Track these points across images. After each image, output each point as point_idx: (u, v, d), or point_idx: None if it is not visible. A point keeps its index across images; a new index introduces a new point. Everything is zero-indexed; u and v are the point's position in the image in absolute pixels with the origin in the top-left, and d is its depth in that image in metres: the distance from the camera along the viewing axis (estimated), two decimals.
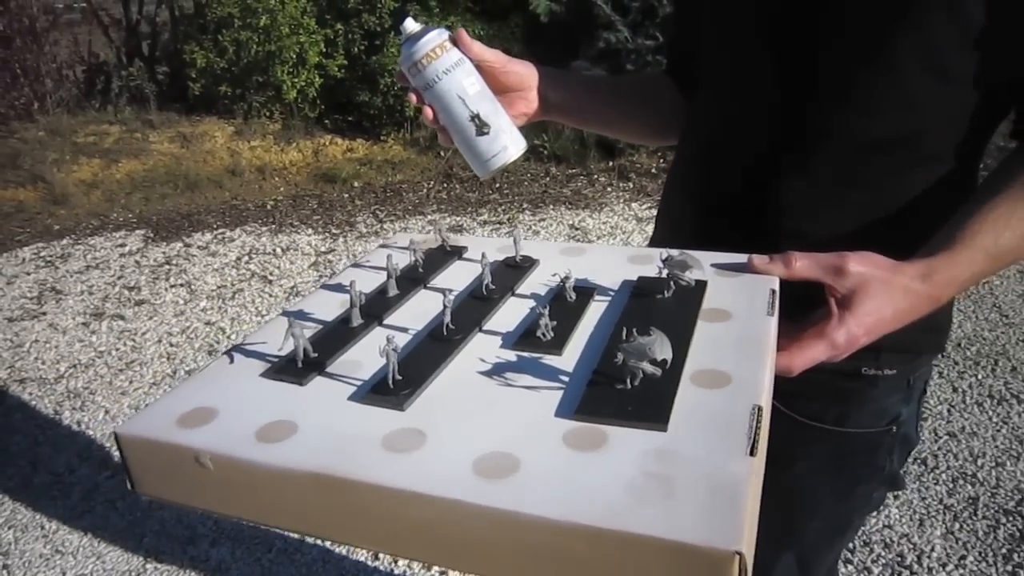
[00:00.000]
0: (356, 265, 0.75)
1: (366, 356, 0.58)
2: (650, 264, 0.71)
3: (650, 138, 1.05)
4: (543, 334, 0.59)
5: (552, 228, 4.02)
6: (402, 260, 0.74)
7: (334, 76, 5.55)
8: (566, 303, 0.64)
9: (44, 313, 3.27)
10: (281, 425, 0.51)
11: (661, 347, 0.51)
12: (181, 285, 3.48)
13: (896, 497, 2.01)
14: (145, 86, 5.95)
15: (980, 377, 2.58)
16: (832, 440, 0.83)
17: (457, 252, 0.77)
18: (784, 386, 0.82)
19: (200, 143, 5.31)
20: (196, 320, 3.15)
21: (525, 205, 4.39)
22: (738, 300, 0.63)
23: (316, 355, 0.57)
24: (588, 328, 0.61)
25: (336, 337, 0.61)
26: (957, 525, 1.92)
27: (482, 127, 0.73)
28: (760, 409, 0.49)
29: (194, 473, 0.50)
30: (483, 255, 0.68)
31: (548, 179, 4.81)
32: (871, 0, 0.68)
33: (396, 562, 1.86)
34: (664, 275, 0.64)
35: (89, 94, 6.17)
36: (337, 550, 1.93)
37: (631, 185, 4.58)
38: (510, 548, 0.43)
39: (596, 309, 0.64)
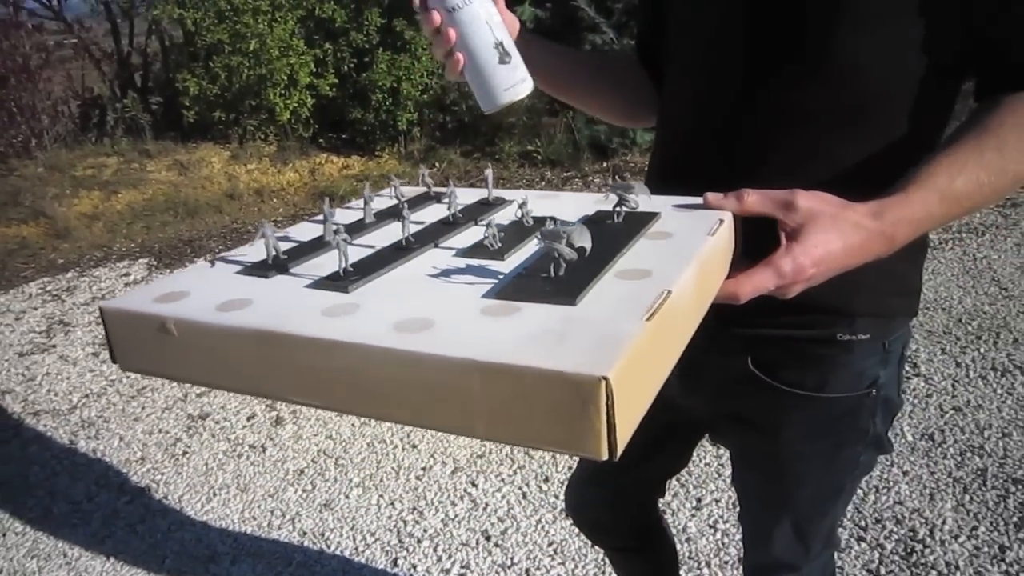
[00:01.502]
0: (345, 207, 0.81)
1: (330, 262, 0.63)
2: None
3: (619, 117, 1.08)
4: (490, 243, 0.63)
5: None
6: (386, 204, 0.79)
7: (326, 95, 5.60)
8: (522, 226, 0.68)
9: (54, 346, 3.30)
10: (239, 301, 0.57)
11: (580, 235, 0.55)
12: None
13: (905, 474, 2.03)
14: (140, 117, 6.02)
15: (983, 351, 2.59)
16: (814, 406, 0.85)
17: (439, 196, 0.81)
18: (763, 355, 0.85)
19: (197, 169, 5.36)
20: None
21: None
22: (684, 225, 0.66)
23: (285, 258, 0.64)
24: (534, 245, 0.65)
25: (307, 248, 0.67)
26: (967, 497, 1.94)
27: (504, 56, 0.73)
28: (668, 292, 0.52)
29: (162, 341, 0.57)
30: (450, 181, 0.74)
31: (543, 183, 4.85)
32: None
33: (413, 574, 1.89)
34: (609, 200, 0.67)
35: (85, 128, 6.23)
36: (356, 560, 1.95)
37: None
38: (418, 390, 0.47)
39: None
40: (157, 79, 6.69)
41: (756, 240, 0.68)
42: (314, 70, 5.56)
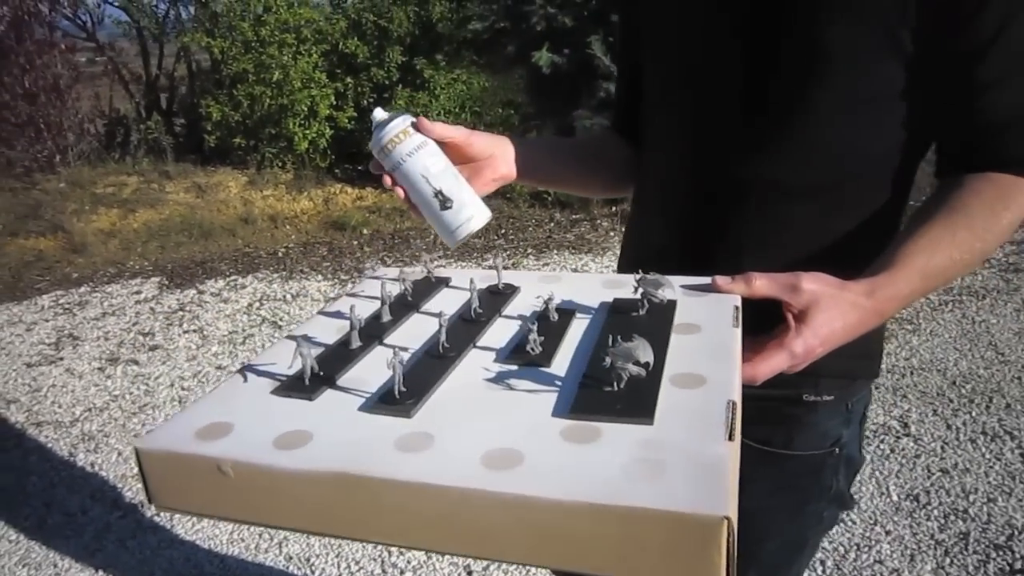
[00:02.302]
0: (350, 295, 0.81)
1: (368, 373, 0.62)
2: (622, 288, 0.76)
3: (606, 192, 1.12)
4: (532, 348, 0.63)
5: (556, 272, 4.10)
6: (394, 292, 0.79)
7: (344, 128, 5.74)
8: (550, 322, 0.68)
9: (61, 358, 3.37)
10: (296, 434, 0.54)
11: (644, 351, 0.56)
12: (194, 331, 3.58)
13: (888, 533, 2.05)
14: (163, 138, 6.17)
15: (974, 414, 2.61)
16: (780, 462, 0.89)
17: (443, 281, 0.83)
18: None
19: (215, 193, 5.48)
20: (207, 365, 3.24)
21: (530, 250, 4.49)
22: (706, 315, 0.68)
23: (321, 373, 0.61)
24: (573, 342, 0.65)
25: (338, 357, 0.65)
26: (948, 560, 1.95)
27: (445, 202, 0.79)
28: (734, 404, 0.54)
29: (213, 483, 0.53)
30: (471, 280, 0.74)
31: (552, 224, 4.93)
32: (794, 58, 0.76)
33: None
34: (639, 294, 0.70)
35: (109, 146, 6.40)
36: None
37: None
38: (519, 531, 0.46)
39: (578, 326, 0.69)
40: (182, 103, 6.87)
41: (752, 312, 0.72)
42: (334, 103, 5.71)
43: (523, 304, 0.75)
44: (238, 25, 5.71)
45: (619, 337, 0.57)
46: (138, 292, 4.10)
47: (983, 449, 2.41)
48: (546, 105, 5.44)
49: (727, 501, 0.44)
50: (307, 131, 5.61)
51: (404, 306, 0.75)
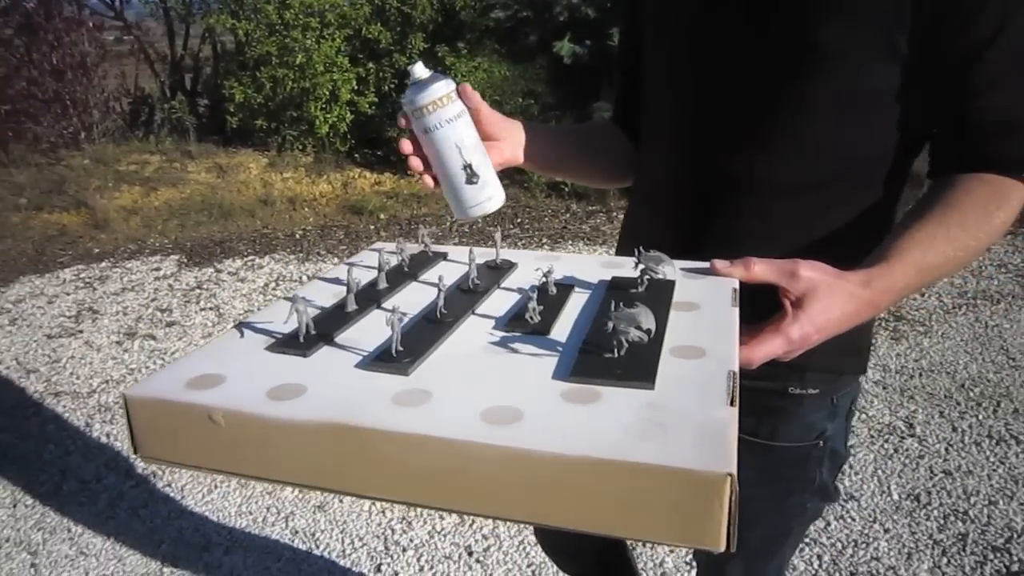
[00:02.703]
0: (348, 264, 0.80)
1: (363, 335, 0.62)
2: (622, 269, 0.76)
3: (606, 182, 1.14)
4: (531, 317, 0.63)
5: None
6: (392, 263, 0.79)
7: (365, 113, 5.77)
8: (548, 295, 0.68)
9: (81, 331, 3.44)
10: (290, 387, 0.53)
11: (646, 317, 0.57)
12: (210, 309, 3.64)
13: (886, 531, 2.06)
14: (186, 118, 6.24)
15: (981, 418, 2.61)
16: (766, 453, 0.91)
17: (441, 256, 0.83)
18: None
19: (235, 174, 5.54)
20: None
21: (545, 240, 4.51)
22: (704, 295, 0.69)
23: (315, 332, 0.61)
24: (572, 314, 0.65)
25: (334, 319, 0.65)
26: (945, 560, 1.96)
27: (472, 176, 0.78)
28: (734, 374, 0.53)
29: (203, 432, 0.51)
30: (470, 250, 0.75)
31: (568, 215, 4.94)
32: (786, 56, 0.78)
33: (398, 575, 1.95)
34: (639, 269, 0.70)
35: (133, 125, 6.48)
36: (342, 562, 2.02)
37: None
38: (519, 487, 0.45)
39: (577, 299, 0.69)
40: (206, 84, 6.93)
41: (749, 299, 0.73)
42: (355, 87, 5.74)
43: (521, 278, 0.76)
44: (263, 8, 5.75)
45: (622, 303, 0.57)
46: (157, 269, 4.17)
47: (987, 452, 2.41)
48: (567, 95, 5.45)
49: (730, 459, 0.44)
50: (328, 115, 5.65)
51: (401, 275, 0.76)
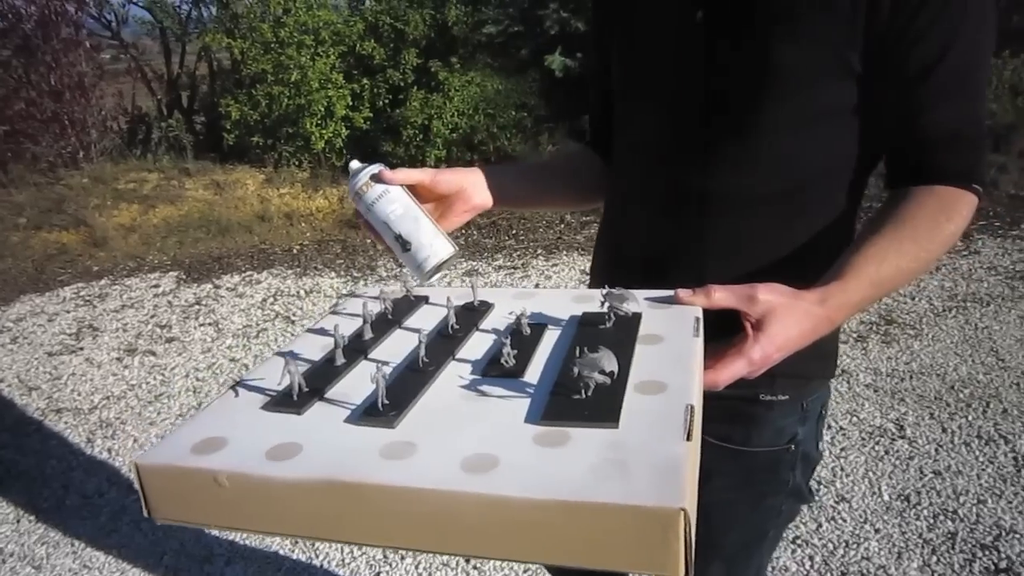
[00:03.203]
0: (334, 312, 0.86)
1: (352, 388, 0.66)
2: (592, 302, 0.80)
3: (579, 205, 1.18)
4: (506, 361, 0.66)
5: (564, 273, 4.17)
6: (375, 311, 0.83)
7: (360, 128, 5.83)
8: (523, 336, 0.72)
9: (81, 348, 3.48)
10: (287, 446, 0.57)
11: (608, 360, 0.61)
12: (209, 324, 3.68)
13: (877, 531, 2.10)
14: (183, 136, 6.30)
15: (971, 418, 2.65)
16: (740, 458, 0.95)
17: (422, 300, 0.87)
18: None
19: (232, 190, 5.59)
20: (222, 357, 3.33)
21: (539, 251, 4.55)
22: (668, 326, 0.72)
23: (308, 388, 0.64)
24: (544, 354, 0.70)
25: (324, 374, 0.68)
26: (935, 559, 1.99)
27: (405, 244, 0.86)
28: (692, 407, 0.58)
29: (210, 494, 0.56)
30: (448, 299, 0.79)
31: (563, 226, 4.99)
32: (748, 75, 0.82)
33: None
34: (605, 307, 0.74)
35: (131, 143, 6.53)
36: (341, 571, 2.05)
37: None
38: (497, 529, 0.50)
39: (549, 338, 0.73)
40: (203, 102, 7.00)
41: (713, 322, 0.77)
42: (350, 103, 5.80)
43: (498, 319, 0.80)
44: (258, 26, 5.82)
45: (585, 348, 0.62)
46: (156, 286, 4.21)
47: (977, 452, 2.45)
48: (559, 108, 5.51)
49: (684, 495, 0.48)
50: (324, 131, 5.71)
51: (385, 323, 0.80)
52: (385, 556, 2.09)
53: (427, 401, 0.63)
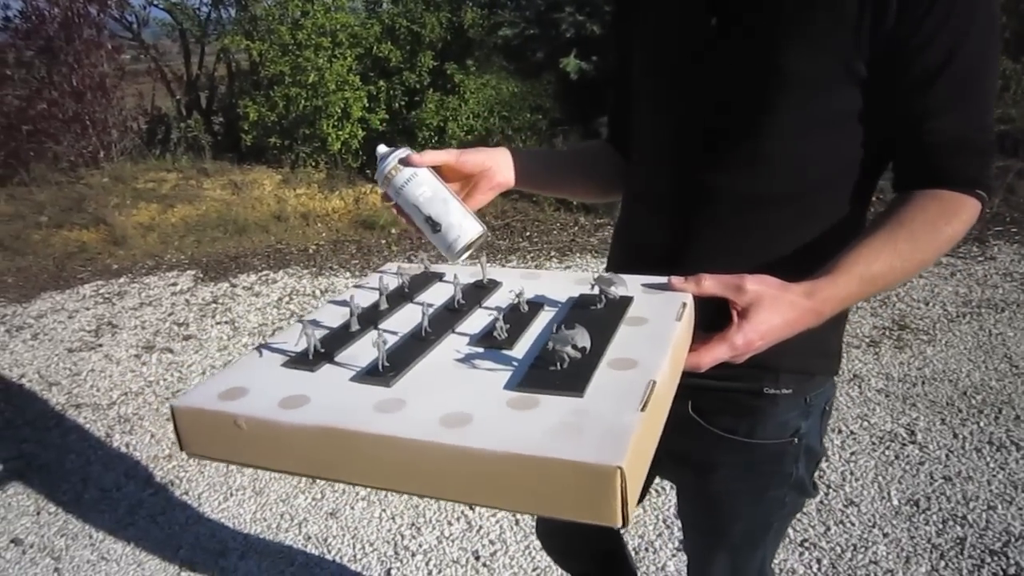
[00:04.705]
0: (357, 286, 0.92)
1: (361, 352, 0.73)
2: (590, 285, 0.85)
3: (597, 197, 1.21)
4: (498, 334, 0.73)
5: None
6: (393, 285, 0.89)
7: (376, 129, 5.88)
8: (520, 313, 0.79)
9: (101, 345, 3.54)
10: (297, 398, 0.65)
11: (581, 337, 0.66)
12: (226, 322, 3.73)
13: (885, 535, 2.10)
14: (201, 137, 6.38)
15: (982, 424, 2.64)
16: (745, 450, 0.97)
17: (437, 276, 0.93)
18: (701, 403, 0.98)
19: (250, 190, 5.65)
20: (238, 355, 3.38)
21: (553, 253, 4.58)
22: (655, 310, 0.77)
23: (323, 350, 0.72)
24: (536, 331, 0.76)
25: (339, 338, 0.76)
26: (943, 563, 2.00)
27: (435, 226, 0.89)
28: (654, 383, 0.62)
29: (231, 434, 0.65)
30: (455, 276, 0.85)
31: (576, 228, 5.00)
32: (755, 81, 0.84)
33: None
34: (596, 291, 0.79)
35: (150, 143, 6.62)
36: (353, 567, 2.09)
37: None
38: (465, 476, 0.57)
39: (544, 317, 0.79)
40: (221, 103, 7.08)
41: (709, 311, 0.80)
42: (367, 105, 5.85)
43: (501, 297, 0.85)
44: (276, 28, 5.88)
45: (563, 326, 0.68)
46: (174, 284, 4.27)
47: (988, 458, 2.45)
48: (573, 110, 5.53)
49: (624, 455, 0.54)
50: (340, 132, 5.76)
51: (400, 296, 0.86)
52: (396, 552, 2.12)
53: (423, 366, 0.70)
